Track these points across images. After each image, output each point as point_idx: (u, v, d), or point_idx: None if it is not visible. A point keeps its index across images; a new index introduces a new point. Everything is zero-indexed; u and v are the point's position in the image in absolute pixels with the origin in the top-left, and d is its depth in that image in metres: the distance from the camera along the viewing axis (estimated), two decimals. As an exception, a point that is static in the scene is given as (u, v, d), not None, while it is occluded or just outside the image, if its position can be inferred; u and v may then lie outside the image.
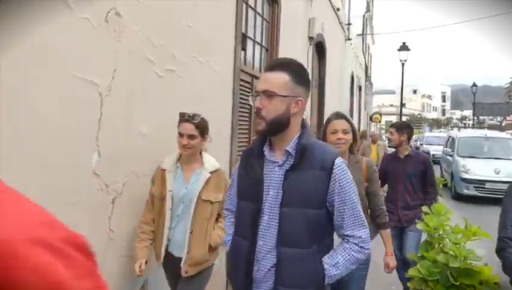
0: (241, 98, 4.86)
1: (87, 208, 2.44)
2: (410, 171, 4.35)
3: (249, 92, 5.23)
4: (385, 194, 4.34)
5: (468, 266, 2.75)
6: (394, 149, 4.57)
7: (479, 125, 30.49)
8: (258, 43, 5.69)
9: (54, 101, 2.17)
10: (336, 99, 12.01)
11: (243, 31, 4.95)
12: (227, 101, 4.46)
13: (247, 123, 5.24)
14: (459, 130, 20.24)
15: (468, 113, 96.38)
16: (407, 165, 4.38)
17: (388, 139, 4.58)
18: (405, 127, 4.48)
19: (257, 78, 5.48)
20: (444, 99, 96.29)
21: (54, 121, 2.17)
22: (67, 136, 2.28)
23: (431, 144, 24.29)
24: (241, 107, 4.89)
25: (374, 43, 31.11)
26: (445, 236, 3.11)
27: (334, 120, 2.94)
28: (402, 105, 23.63)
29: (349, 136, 2.93)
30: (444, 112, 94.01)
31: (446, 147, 14.83)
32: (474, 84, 30.74)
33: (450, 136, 15.40)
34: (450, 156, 13.23)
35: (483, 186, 11.39)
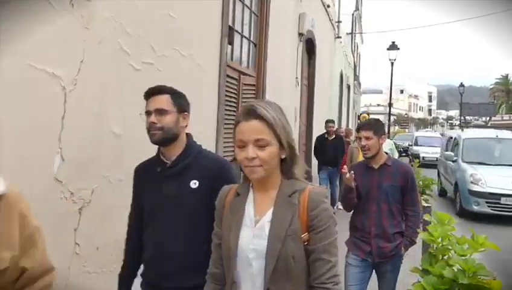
0: (227, 94, 4.55)
1: (49, 220, 2.11)
2: (385, 186, 3.11)
3: (235, 89, 4.92)
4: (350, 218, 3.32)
5: (479, 282, 2.48)
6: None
7: (466, 125, 30.56)
8: (245, 38, 5.38)
9: (6, 95, 1.84)
10: (325, 99, 11.75)
11: (230, 23, 4.63)
12: (212, 97, 4.14)
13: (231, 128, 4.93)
14: (461, 129, 17.48)
15: (453, 113, 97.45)
16: (381, 178, 3.13)
17: (364, 149, 3.13)
18: (381, 127, 3.27)
19: (245, 74, 5.18)
20: (430, 99, 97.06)
21: (6, 119, 1.84)
22: (23, 136, 1.95)
23: (421, 145, 21.89)
24: (227, 104, 4.58)
25: (363, 42, 31.00)
26: (449, 247, 2.84)
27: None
28: (390, 104, 23.56)
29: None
30: (430, 111, 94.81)
31: (447, 150, 12.10)
32: (462, 85, 30.81)
33: (451, 137, 12.62)
34: (453, 161, 10.72)
35: (498, 201, 9.03)
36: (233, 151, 1.71)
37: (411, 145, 22.32)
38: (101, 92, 2.47)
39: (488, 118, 33.31)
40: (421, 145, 21.94)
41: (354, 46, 22.71)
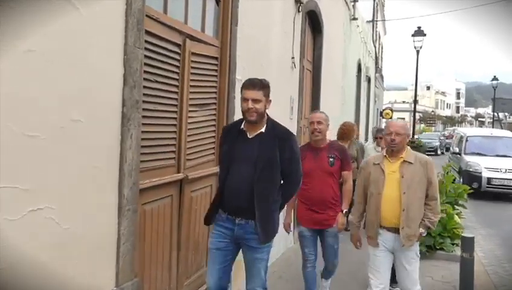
0: (150, 67, 2.92)
1: None
2: None
3: (176, 60, 3.26)
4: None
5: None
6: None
7: (500, 123, 28.09)
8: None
9: None
10: (336, 88, 9.95)
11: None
12: (112, 71, 2.49)
13: (174, 110, 3.28)
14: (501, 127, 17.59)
15: (482, 111, 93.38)
16: None
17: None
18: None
19: (195, 39, 3.51)
20: (458, 96, 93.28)
21: None
22: None
23: (479, 154, 13.19)
24: (150, 87, 2.95)
25: (386, 33, 28.88)
26: None
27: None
28: (415, 101, 21.51)
29: None
30: (458, 109, 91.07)
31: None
32: (495, 78, 28.21)
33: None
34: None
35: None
36: None
37: (457, 154, 14.28)
38: None
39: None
40: (478, 154, 13.19)
41: (376, 36, 20.73)
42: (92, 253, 2.41)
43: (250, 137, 2.99)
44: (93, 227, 2.40)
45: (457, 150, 14.38)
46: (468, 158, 13.08)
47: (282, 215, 3.53)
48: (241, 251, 3.10)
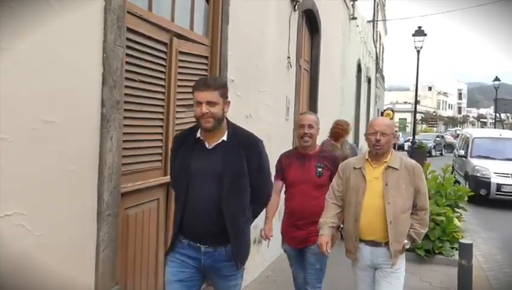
0: (132, 66, 2.80)
1: None
2: None
3: (162, 59, 3.14)
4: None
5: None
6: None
7: (502, 124, 27.89)
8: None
9: None
10: (335, 89, 9.83)
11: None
12: (90, 66, 2.38)
13: (160, 111, 3.17)
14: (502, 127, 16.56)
15: (484, 111, 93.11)
16: None
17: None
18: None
19: (180, 36, 3.39)
20: (460, 96, 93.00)
21: None
22: None
23: (487, 157, 12.19)
24: (131, 86, 2.84)
25: (387, 33, 28.74)
26: None
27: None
28: (416, 100, 21.37)
29: None
30: (460, 109, 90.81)
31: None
32: (497, 78, 27.99)
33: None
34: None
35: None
36: None
37: (462, 157, 13.14)
38: None
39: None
40: (485, 158, 12.20)
41: (376, 36, 20.60)
42: (68, 261, 2.29)
43: (210, 148, 2.49)
44: (70, 233, 2.29)
45: (462, 152, 13.15)
46: (475, 162, 11.91)
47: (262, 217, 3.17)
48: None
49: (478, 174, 11.41)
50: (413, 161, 3.08)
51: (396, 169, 2.94)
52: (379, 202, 2.90)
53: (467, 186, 10.84)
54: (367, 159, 3.03)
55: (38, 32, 2.03)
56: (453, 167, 13.78)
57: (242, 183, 2.50)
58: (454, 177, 11.95)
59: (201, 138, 2.52)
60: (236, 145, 2.49)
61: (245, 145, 2.52)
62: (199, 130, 2.51)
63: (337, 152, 5.27)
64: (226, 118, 2.54)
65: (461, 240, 4.30)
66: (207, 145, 2.50)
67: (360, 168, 3.02)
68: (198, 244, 2.49)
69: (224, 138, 2.50)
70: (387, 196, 2.89)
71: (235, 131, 2.55)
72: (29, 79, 2.00)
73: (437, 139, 29.86)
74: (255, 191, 2.59)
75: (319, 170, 3.40)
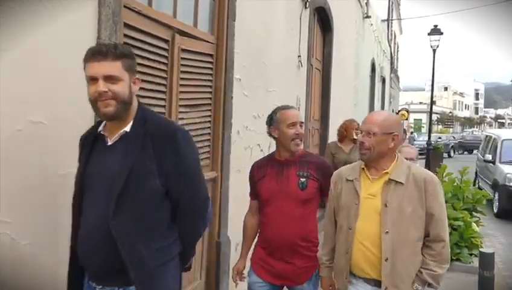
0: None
1: None
2: None
3: (163, 56, 2.99)
4: None
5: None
6: None
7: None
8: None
9: None
10: (348, 89, 9.61)
11: None
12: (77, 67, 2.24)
13: (161, 111, 3.02)
14: None
15: (502, 112, 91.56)
16: None
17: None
18: None
19: (183, 33, 3.24)
20: (477, 97, 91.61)
21: None
22: None
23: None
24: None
25: (402, 33, 28.31)
26: None
27: None
28: (432, 101, 20.97)
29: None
30: (477, 110, 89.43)
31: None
32: (516, 78, 27.40)
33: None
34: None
35: None
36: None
37: (489, 162, 11.05)
38: None
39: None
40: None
41: (391, 35, 20.27)
42: (59, 271, 2.15)
43: (111, 143, 1.81)
44: (61, 242, 2.14)
45: (489, 157, 10.93)
46: (506, 169, 9.79)
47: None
48: None
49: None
50: (425, 172, 2.28)
51: (401, 183, 2.15)
52: (375, 229, 2.15)
53: (496, 197, 9.70)
54: (363, 168, 2.27)
55: (26, 29, 1.90)
56: (476, 173, 12.54)
57: (145, 194, 1.75)
58: (478, 184, 10.85)
59: (102, 132, 1.85)
60: (142, 136, 1.76)
61: (154, 137, 1.77)
62: (104, 123, 1.87)
63: (340, 156, 5.00)
64: (140, 102, 1.89)
65: (482, 249, 4.06)
66: (108, 141, 1.82)
67: (352, 180, 2.26)
68: (94, 284, 1.82)
69: (127, 128, 1.79)
70: (385, 221, 2.12)
71: (146, 119, 1.82)
72: (14, 79, 1.87)
73: (438, 139, 27.61)
74: (177, 207, 1.84)
75: (302, 180, 2.57)
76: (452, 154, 27.40)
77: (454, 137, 32.71)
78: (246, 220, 2.83)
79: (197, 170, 1.93)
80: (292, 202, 2.56)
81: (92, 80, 1.73)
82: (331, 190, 2.40)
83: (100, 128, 1.86)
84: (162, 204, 1.81)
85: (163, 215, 1.82)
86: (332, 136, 6.35)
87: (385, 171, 2.20)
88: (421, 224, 2.14)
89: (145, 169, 1.74)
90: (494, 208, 9.78)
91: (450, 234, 5.67)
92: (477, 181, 11.90)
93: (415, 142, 25.41)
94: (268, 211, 2.62)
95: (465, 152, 30.22)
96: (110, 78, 1.71)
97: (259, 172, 2.72)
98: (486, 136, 12.95)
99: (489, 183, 10.54)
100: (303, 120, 2.73)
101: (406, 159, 3.35)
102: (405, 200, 2.14)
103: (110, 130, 1.83)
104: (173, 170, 1.78)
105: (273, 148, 2.83)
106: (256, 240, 2.79)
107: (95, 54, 1.72)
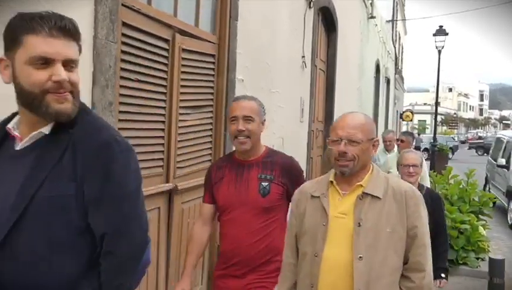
0: (129, 64, 2.57)
1: None
2: None
3: (163, 56, 2.92)
4: None
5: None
6: None
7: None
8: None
9: None
10: (352, 90, 9.52)
11: None
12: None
13: (161, 113, 2.94)
14: None
15: (507, 113, 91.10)
16: None
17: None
18: None
19: (184, 33, 3.16)
20: (482, 98, 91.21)
21: None
22: None
23: None
24: (127, 86, 2.61)
25: (406, 33, 28.17)
26: None
27: None
28: (437, 102, 20.82)
29: None
30: (481, 111, 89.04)
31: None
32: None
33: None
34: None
35: None
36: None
37: (503, 167, 9.73)
38: None
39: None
40: None
41: (396, 36, 20.14)
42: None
43: (20, 148, 1.28)
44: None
45: (503, 161, 9.60)
46: None
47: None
48: None
49: None
50: (406, 184, 1.88)
51: (378, 198, 1.77)
52: (346, 255, 1.73)
53: (510, 207, 8.85)
54: (331, 182, 1.86)
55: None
56: (486, 179, 11.52)
57: (51, 232, 1.21)
58: (489, 191, 9.32)
59: (14, 131, 1.30)
60: (63, 145, 1.24)
61: (80, 149, 1.24)
62: (17, 116, 1.34)
63: None
64: (81, 102, 1.33)
65: (491, 255, 3.96)
66: (17, 145, 1.29)
67: (319, 197, 1.84)
68: None
69: (46, 129, 1.26)
70: (358, 245, 1.72)
71: (77, 120, 1.27)
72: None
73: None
74: (103, 247, 1.26)
75: (263, 184, 2.19)
76: (450, 156, 27.26)
77: (453, 138, 32.62)
78: (193, 231, 2.39)
79: (135, 199, 1.32)
80: (252, 210, 2.18)
81: (48, 61, 1.22)
82: (292, 211, 1.96)
83: (12, 125, 1.31)
84: (77, 242, 1.24)
85: (80, 262, 1.25)
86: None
87: (359, 183, 1.80)
88: (402, 248, 1.75)
89: (58, 193, 1.21)
90: (508, 219, 8.84)
91: (457, 237, 5.59)
92: (487, 187, 10.90)
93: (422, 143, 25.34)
94: (225, 221, 2.27)
95: (485, 154, 29.83)
96: (70, 63, 1.26)
97: (217, 173, 2.32)
98: (498, 138, 11.73)
99: (503, 190, 9.47)
100: (251, 114, 2.21)
101: (409, 165, 3.27)
102: (383, 218, 1.74)
103: (23, 128, 1.29)
104: (97, 196, 1.23)
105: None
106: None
107: (52, 30, 1.23)
